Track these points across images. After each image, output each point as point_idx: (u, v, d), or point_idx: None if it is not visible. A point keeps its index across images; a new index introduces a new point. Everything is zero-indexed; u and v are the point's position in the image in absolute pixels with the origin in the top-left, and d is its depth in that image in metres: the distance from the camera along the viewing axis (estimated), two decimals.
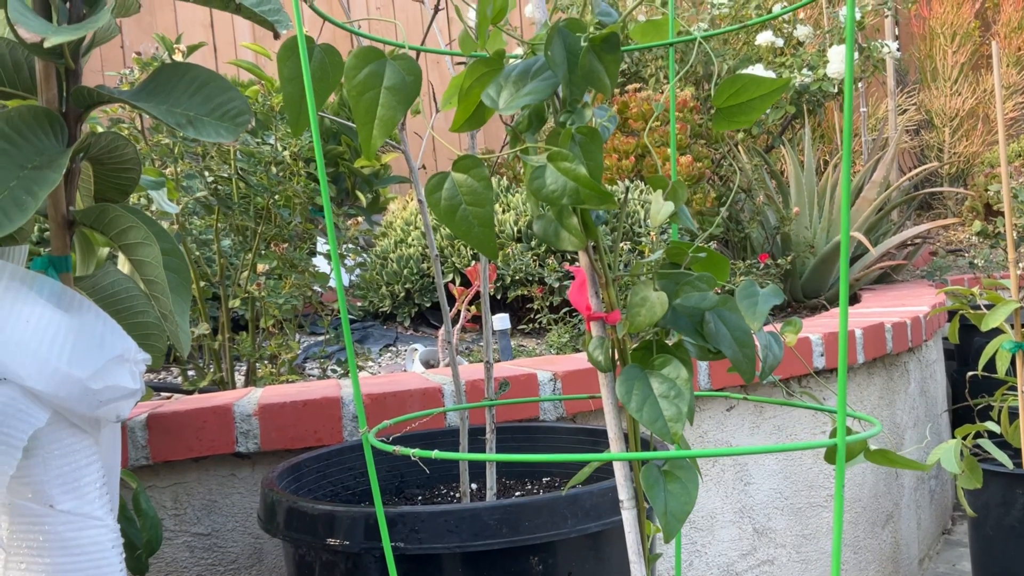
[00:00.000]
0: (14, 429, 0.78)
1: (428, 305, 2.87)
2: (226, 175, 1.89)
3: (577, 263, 0.80)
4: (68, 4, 0.87)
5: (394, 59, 0.77)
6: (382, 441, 1.19)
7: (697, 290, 0.77)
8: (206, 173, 1.87)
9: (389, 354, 2.60)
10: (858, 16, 3.96)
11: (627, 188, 0.89)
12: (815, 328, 1.98)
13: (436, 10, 1.11)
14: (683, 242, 0.85)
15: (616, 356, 0.79)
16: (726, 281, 0.83)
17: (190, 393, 1.87)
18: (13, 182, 0.78)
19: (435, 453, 0.63)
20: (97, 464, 0.85)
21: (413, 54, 1.05)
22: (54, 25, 0.79)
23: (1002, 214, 2.51)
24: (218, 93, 0.87)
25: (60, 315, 0.82)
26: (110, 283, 0.93)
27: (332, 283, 2.16)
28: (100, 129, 1.62)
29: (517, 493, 1.31)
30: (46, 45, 0.73)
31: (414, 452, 0.64)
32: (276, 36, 0.86)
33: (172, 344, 0.95)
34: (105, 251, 1.17)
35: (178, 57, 1.82)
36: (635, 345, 0.80)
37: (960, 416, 2.89)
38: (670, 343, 0.81)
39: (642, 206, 2.91)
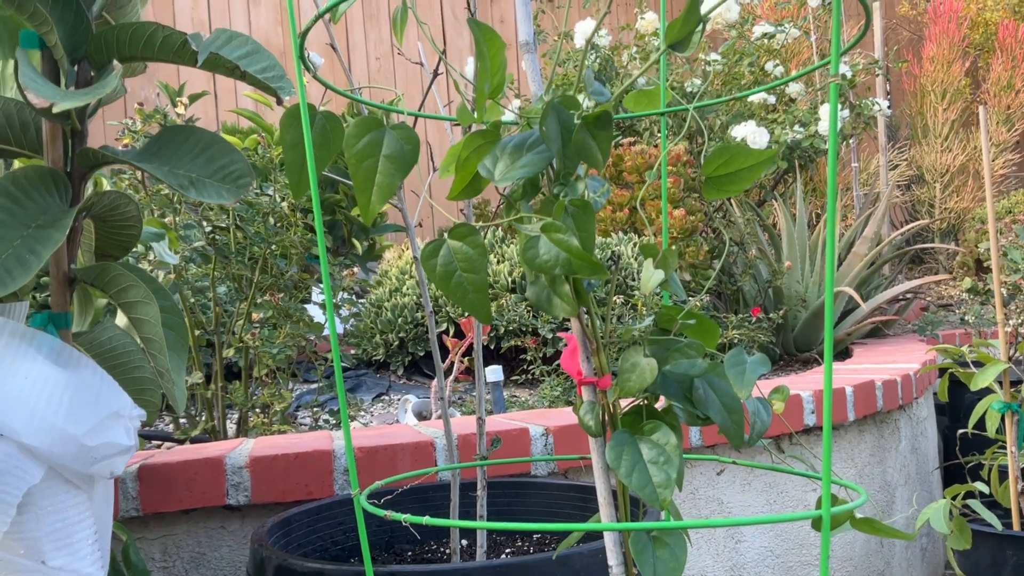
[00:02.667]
0: (9, 486, 0.78)
1: (422, 354, 2.88)
2: (224, 225, 1.91)
3: (569, 328, 0.81)
4: (76, 67, 0.89)
5: (393, 128, 0.79)
6: (373, 496, 1.19)
7: (686, 357, 0.78)
8: (204, 223, 1.89)
9: (382, 403, 2.60)
10: (849, 74, 4.04)
11: (618, 256, 0.91)
12: (805, 385, 1.99)
13: (435, 74, 1.14)
14: (674, 307, 0.87)
15: (606, 420, 0.80)
16: (718, 337, 0.85)
17: (181, 442, 1.87)
18: (17, 241, 0.79)
19: (426, 519, 0.64)
20: (89, 520, 0.86)
21: (410, 113, 1.08)
22: (62, 90, 0.81)
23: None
24: (221, 155, 0.89)
25: (58, 372, 0.83)
26: (108, 338, 0.94)
27: (326, 332, 2.17)
28: (103, 180, 1.64)
29: (507, 551, 1.31)
30: (54, 111, 0.75)
31: (405, 518, 0.65)
32: (279, 102, 0.88)
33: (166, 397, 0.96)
34: (103, 302, 1.19)
35: (180, 110, 1.85)
36: (625, 410, 0.81)
37: (951, 473, 2.89)
38: (659, 407, 0.82)
39: (635, 259, 2.93)
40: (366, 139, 0.79)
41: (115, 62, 0.85)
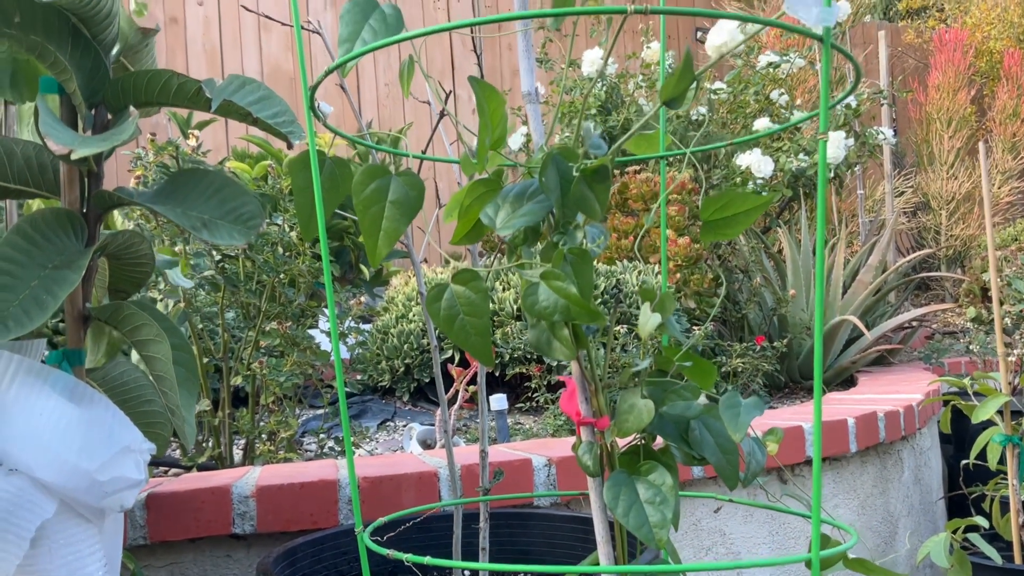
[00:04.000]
0: (23, 520, 0.81)
1: (427, 380, 2.90)
2: (233, 254, 1.94)
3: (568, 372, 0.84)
4: (93, 111, 0.92)
5: (399, 175, 0.82)
6: (376, 528, 1.21)
7: (683, 399, 0.81)
8: (214, 252, 1.92)
9: (386, 430, 2.62)
10: (854, 104, 4.07)
11: (620, 290, 0.93)
12: (808, 416, 2.01)
13: (442, 114, 1.17)
14: (672, 347, 0.89)
15: (604, 460, 0.82)
16: (715, 378, 0.87)
17: (188, 469, 1.89)
18: (34, 281, 0.82)
19: (428, 560, 0.66)
20: (100, 553, 0.88)
21: (416, 153, 1.10)
22: (81, 136, 0.84)
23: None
24: (233, 197, 0.92)
25: (72, 408, 0.85)
26: (120, 373, 0.97)
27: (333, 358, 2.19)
28: (116, 213, 1.67)
29: None
30: (73, 157, 0.78)
31: (407, 557, 0.67)
32: (289, 146, 0.91)
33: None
34: (117, 333, 1.21)
35: (192, 141, 1.88)
36: (623, 449, 0.83)
37: (956, 503, 2.89)
38: (656, 447, 0.84)
39: (640, 287, 2.95)
40: (373, 186, 0.81)
41: (132, 108, 0.88)
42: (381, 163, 0.92)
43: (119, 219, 1.60)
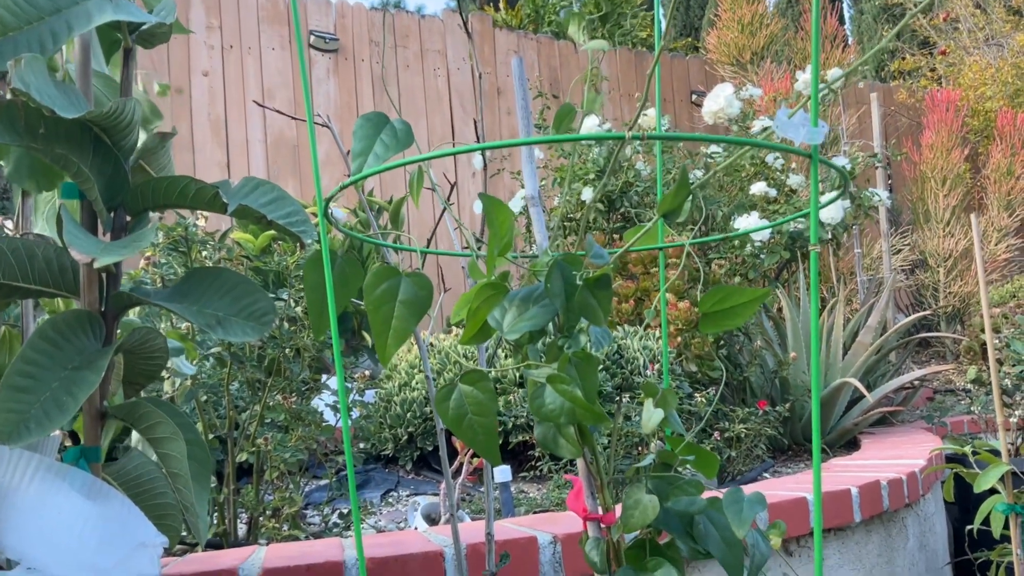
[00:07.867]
0: None
1: (431, 448, 2.90)
2: None
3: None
4: (113, 214, 0.96)
5: (408, 276, 0.85)
6: None
7: (687, 494, 0.82)
8: None
9: (389, 502, 2.62)
10: (849, 167, 4.14)
11: (619, 366, 0.95)
12: (811, 487, 2.01)
13: (446, 205, 1.20)
14: (675, 438, 0.91)
15: (611, 555, 0.84)
16: (717, 468, 0.89)
17: (192, 547, 1.89)
18: (55, 383, 0.84)
19: None
20: None
21: (424, 238, 1.13)
22: (102, 243, 0.87)
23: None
24: (246, 295, 0.95)
25: (89, 505, 0.87)
26: (134, 467, 0.99)
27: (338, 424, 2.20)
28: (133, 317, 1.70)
29: None
30: (95, 266, 0.81)
31: None
32: (302, 246, 0.94)
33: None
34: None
35: (202, 223, 1.92)
36: (629, 543, 0.85)
37: (962, 567, 2.87)
38: (662, 539, 0.85)
39: (641, 352, 2.98)
40: (384, 286, 0.84)
41: (151, 214, 0.92)
42: (395, 266, 0.95)
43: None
